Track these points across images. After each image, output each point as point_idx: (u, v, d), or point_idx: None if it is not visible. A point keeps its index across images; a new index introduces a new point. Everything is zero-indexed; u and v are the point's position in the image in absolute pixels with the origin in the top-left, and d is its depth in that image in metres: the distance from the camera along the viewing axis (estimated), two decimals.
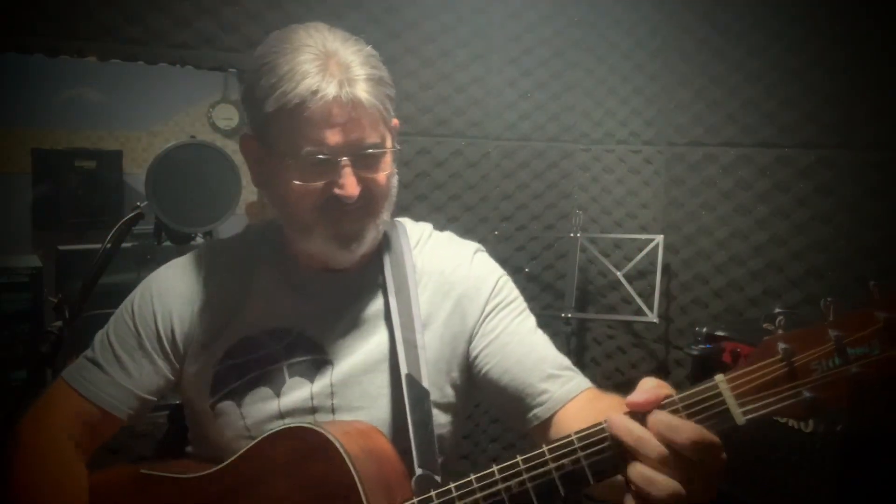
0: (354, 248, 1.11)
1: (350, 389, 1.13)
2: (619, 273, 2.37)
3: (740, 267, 2.20)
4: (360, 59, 1.06)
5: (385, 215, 1.13)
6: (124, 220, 1.79)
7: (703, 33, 2.26)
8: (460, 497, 0.85)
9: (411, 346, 1.12)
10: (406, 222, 1.29)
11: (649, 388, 0.78)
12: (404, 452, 1.06)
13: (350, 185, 1.05)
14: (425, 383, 1.11)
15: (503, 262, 2.58)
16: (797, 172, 2.05)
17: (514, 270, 2.65)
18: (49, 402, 1.17)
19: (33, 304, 2.69)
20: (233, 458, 1.06)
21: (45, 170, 3.61)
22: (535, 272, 2.69)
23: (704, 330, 1.90)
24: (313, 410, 1.13)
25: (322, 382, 1.14)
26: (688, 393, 0.76)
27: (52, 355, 1.25)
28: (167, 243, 1.95)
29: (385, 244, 1.21)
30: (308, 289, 1.18)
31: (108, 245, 1.75)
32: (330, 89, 1.01)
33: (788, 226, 2.08)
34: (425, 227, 1.30)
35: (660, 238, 2.31)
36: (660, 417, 0.75)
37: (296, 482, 0.98)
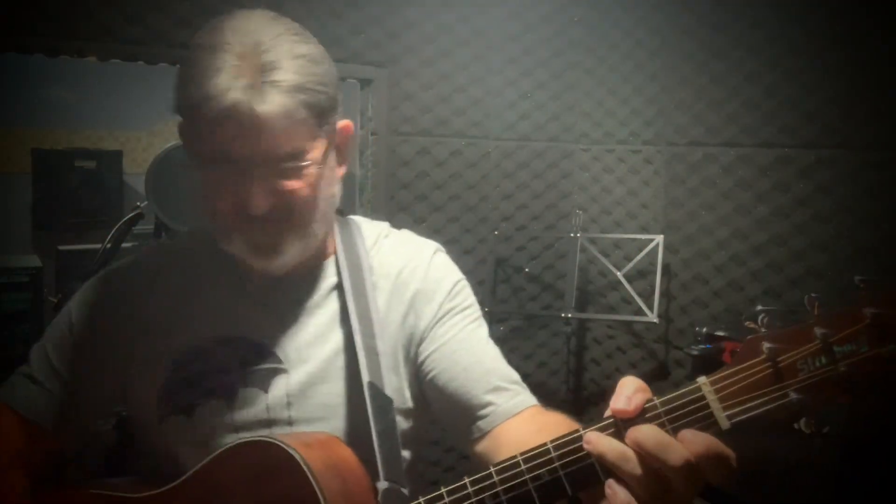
0: (276, 259, 1.03)
1: (307, 400, 1.07)
2: (619, 273, 2.37)
3: (740, 267, 2.20)
4: (286, 62, 0.95)
5: (316, 227, 1.04)
6: (124, 220, 1.80)
7: (703, 33, 2.26)
8: None
9: (372, 352, 1.06)
10: (362, 221, 1.22)
11: (631, 392, 0.72)
12: (366, 463, 1.00)
13: (255, 200, 0.96)
14: (388, 391, 1.06)
15: (504, 261, 2.60)
16: (797, 172, 2.05)
17: (515, 270, 2.65)
18: None
19: (33, 304, 2.70)
20: (187, 476, 0.99)
21: (45, 170, 3.61)
22: (535, 272, 2.69)
23: (704, 330, 1.90)
24: (269, 423, 1.06)
25: (277, 393, 1.07)
26: (670, 397, 0.72)
27: None
28: None
29: (340, 244, 1.15)
30: (259, 294, 1.11)
31: (108, 245, 1.76)
32: (235, 94, 0.91)
33: (788, 226, 2.08)
34: (382, 227, 1.23)
35: (660, 238, 2.31)
36: (643, 432, 0.69)
37: (256, 500, 0.92)
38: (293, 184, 0.99)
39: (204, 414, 1.06)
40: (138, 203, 1.86)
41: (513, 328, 2.68)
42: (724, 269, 2.24)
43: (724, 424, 0.69)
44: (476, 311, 1.18)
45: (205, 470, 0.98)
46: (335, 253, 1.14)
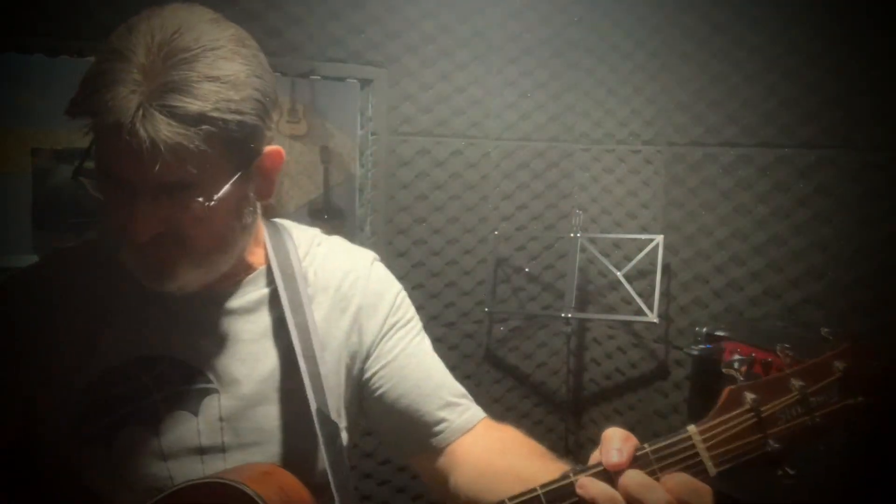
0: (168, 284, 0.92)
1: (242, 423, 0.98)
2: (619, 273, 2.37)
3: (740, 267, 2.20)
4: (193, 86, 0.83)
5: (216, 257, 0.94)
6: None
7: (703, 33, 2.26)
8: None
9: (315, 375, 0.99)
10: (292, 227, 1.12)
11: (620, 444, 0.73)
12: (306, 486, 0.95)
13: (137, 226, 0.87)
14: (334, 416, 1.00)
15: (503, 261, 2.60)
16: (797, 172, 2.05)
17: (515, 270, 2.65)
18: None
19: None
20: None
21: (45, 170, 3.60)
22: (535, 272, 2.69)
23: (704, 330, 1.90)
24: (201, 450, 0.96)
25: (209, 415, 0.97)
26: (660, 445, 0.73)
27: None
28: None
29: (272, 253, 1.05)
30: (178, 307, 0.99)
31: None
32: (122, 116, 0.81)
33: (788, 226, 2.08)
34: (314, 234, 1.14)
35: (660, 238, 2.31)
36: (631, 477, 0.71)
37: None
38: (180, 215, 0.88)
39: (125, 442, 0.95)
40: None
41: (513, 328, 2.68)
42: (724, 269, 2.24)
43: (712, 471, 0.72)
44: (417, 322, 1.13)
45: None
46: (266, 263, 1.05)
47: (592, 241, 2.51)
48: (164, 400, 0.97)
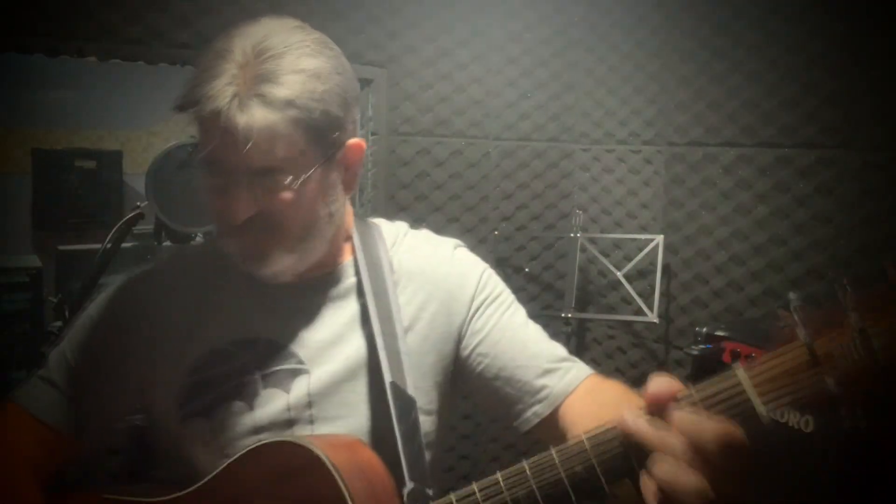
0: (265, 268, 1.03)
1: (328, 399, 1.07)
2: (619, 273, 2.37)
3: (740, 267, 2.20)
4: (283, 76, 0.94)
5: (308, 243, 1.04)
6: (124, 220, 1.79)
7: (703, 33, 2.26)
8: (486, 500, 0.79)
9: (394, 352, 1.06)
10: (381, 223, 1.22)
11: (664, 381, 0.74)
12: (388, 464, 1.00)
13: (233, 209, 0.97)
14: (410, 391, 1.05)
15: (504, 261, 2.59)
16: (797, 172, 2.05)
17: (515, 270, 2.65)
18: (2, 425, 1.08)
19: (33, 304, 2.70)
20: (207, 479, 0.98)
21: (45, 170, 3.60)
22: (535, 272, 2.69)
23: (704, 330, 1.90)
24: (290, 423, 1.05)
25: (298, 392, 1.06)
26: (706, 386, 0.71)
27: None
28: (167, 243, 1.95)
29: (360, 246, 1.14)
30: (275, 296, 1.10)
31: (109, 245, 1.75)
32: (219, 102, 0.92)
33: (788, 226, 2.08)
34: (401, 226, 1.22)
35: (660, 238, 2.31)
36: (681, 415, 0.71)
37: (282, 501, 0.92)
38: (272, 199, 0.98)
39: (224, 416, 1.05)
40: (138, 203, 1.85)
41: None
42: (724, 269, 2.24)
43: (763, 412, 0.69)
44: (508, 296, 1.18)
45: (227, 471, 0.97)
46: (353, 255, 1.14)
47: (592, 241, 2.51)
48: (261, 378, 1.06)
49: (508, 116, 2.56)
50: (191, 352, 1.08)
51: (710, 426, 0.68)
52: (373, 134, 2.34)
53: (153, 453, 1.16)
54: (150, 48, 2.00)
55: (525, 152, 2.61)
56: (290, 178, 0.97)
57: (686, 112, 2.33)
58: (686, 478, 0.68)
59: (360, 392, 1.07)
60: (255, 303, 1.10)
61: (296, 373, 1.07)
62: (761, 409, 0.68)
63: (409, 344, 1.09)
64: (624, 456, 0.74)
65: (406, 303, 1.12)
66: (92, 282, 1.64)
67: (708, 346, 1.87)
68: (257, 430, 1.05)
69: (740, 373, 0.70)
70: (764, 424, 0.69)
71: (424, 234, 1.23)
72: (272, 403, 1.06)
